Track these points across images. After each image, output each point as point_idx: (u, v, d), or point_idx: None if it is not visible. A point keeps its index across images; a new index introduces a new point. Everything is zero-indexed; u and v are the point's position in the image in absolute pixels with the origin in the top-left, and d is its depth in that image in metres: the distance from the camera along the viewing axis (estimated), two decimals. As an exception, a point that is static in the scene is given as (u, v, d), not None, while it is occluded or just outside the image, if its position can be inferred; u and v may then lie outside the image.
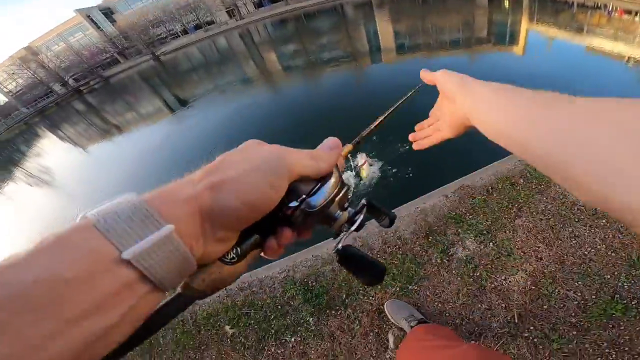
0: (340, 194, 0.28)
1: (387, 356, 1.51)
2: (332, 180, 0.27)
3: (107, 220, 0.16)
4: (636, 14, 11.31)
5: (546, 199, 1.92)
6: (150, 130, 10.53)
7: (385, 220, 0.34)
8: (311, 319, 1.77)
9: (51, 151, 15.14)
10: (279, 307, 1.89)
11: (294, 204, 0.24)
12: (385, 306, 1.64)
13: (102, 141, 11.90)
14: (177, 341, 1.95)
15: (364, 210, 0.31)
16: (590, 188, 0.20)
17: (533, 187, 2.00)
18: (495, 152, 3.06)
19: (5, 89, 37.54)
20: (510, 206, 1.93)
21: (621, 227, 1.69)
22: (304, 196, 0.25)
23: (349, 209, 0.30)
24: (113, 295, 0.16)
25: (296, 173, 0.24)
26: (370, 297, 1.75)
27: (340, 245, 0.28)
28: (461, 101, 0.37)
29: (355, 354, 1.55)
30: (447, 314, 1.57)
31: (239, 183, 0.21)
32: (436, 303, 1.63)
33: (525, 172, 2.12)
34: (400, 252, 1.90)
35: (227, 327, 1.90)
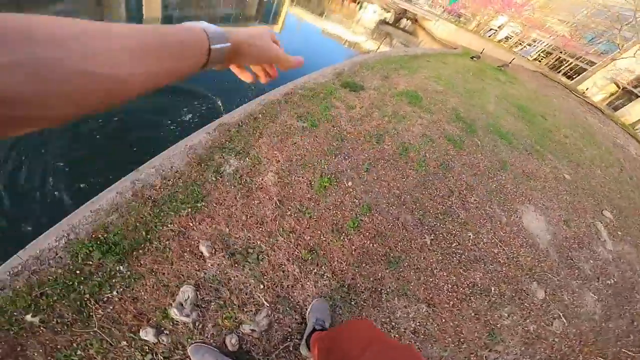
0: None
1: (209, 264, 1.83)
2: None
3: (209, 32, 0.36)
4: (359, 3, 16.63)
5: (275, 124, 3.01)
6: None
7: None
8: (121, 267, 1.79)
9: None
10: (78, 271, 1.76)
11: None
12: (313, 302, 1.77)
13: None
14: None
15: None
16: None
17: (268, 119, 3.06)
18: (246, 96, 4.05)
19: None
20: (254, 132, 2.86)
21: (316, 134, 3.02)
22: None
23: None
24: (199, 56, 0.35)
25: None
26: (169, 224, 2.01)
27: None
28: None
29: (182, 276, 1.78)
30: (234, 216, 2.13)
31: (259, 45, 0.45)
32: (223, 209, 2.16)
33: (262, 110, 3.17)
34: (182, 181, 2.31)
35: (29, 317, 1.59)
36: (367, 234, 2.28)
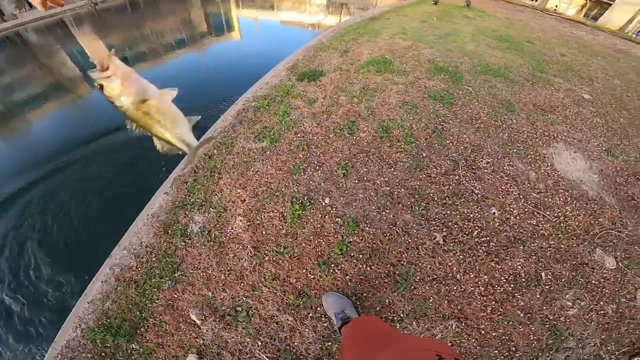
0: None
1: (203, 330, 1.71)
2: None
3: None
4: None
5: (232, 156, 2.58)
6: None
7: None
8: (133, 345, 1.74)
9: None
10: (102, 354, 1.73)
11: None
12: (322, 299, 1.71)
13: None
14: None
15: None
16: None
17: (224, 152, 2.63)
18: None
19: None
20: (212, 174, 2.45)
21: (279, 150, 2.57)
22: None
23: None
24: None
25: None
26: (156, 301, 1.84)
27: None
28: None
29: (185, 345, 1.64)
30: (212, 278, 1.87)
31: None
32: (200, 273, 1.89)
33: (216, 143, 2.73)
34: (154, 255, 2.04)
35: None
36: (361, 256, 1.87)
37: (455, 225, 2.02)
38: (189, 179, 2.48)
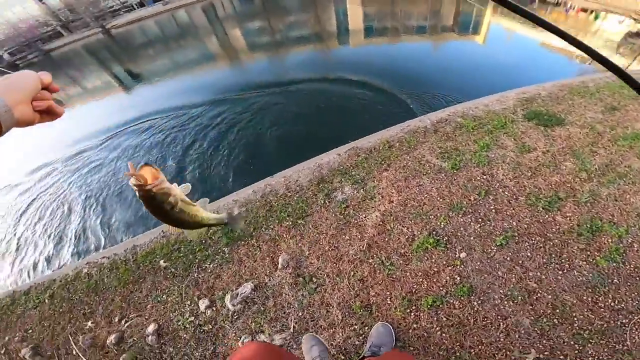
0: None
1: (276, 274, 2.05)
2: None
3: None
4: (592, 12, 12.80)
5: (409, 157, 2.59)
6: (94, 109, 10.47)
7: None
8: (226, 248, 2.32)
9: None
10: (203, 241, 2.43)
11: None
12: (376, 324, 1.74)
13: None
14: (119, 278, 2.42)
15: None
16: None
17: (404, 149, 2.68)
18: (385, 122, 3.80)
19: None
20: (382, 162, 2.59)
21: (454, 179, 2.38)
22: None
23: None
24: None
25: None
26: (270, 229, 2.33)
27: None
28: None
29: (254, 273, 2.09)
30: (319, 244, 2.15)
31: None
32: (314, 233, 2.22)
33: (402, 138, 2.80)
34: (297, 196, 2.52)
35: (162, 262, 2.40)
36: (444, 319, 1.67)
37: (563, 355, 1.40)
38: (362, 154, 2.72)
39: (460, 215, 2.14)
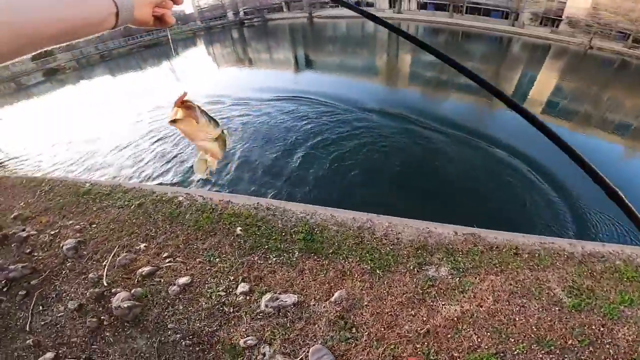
0: None
1: (324, 304, 2.03)
2: None
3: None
4: None
5: (531, 275, 2.16)
6: (270, 74, 12.84)
7: None
8: (297, 252, 2.40)
9: (192, 57, 21.83)
10: (283, 234, 2.58)
11: None
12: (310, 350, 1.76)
13: (233, 65, 16.05)
14: (197, 221, 2.77)
15: None
16: None
17: (530, 264, 2.24)
18: (526, 224, 3.23)
19: (197, 4, 48.80)
20: (497, 265, 2.24)
21: (566, 318, 1.87)
22: None
23: None
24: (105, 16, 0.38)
25: None
26: (346, 261, 2.31)
27: None
28: None
29: (306, 290, 2.12)
30: (383, 302, 2.02)
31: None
32: (384, 291, 2.09)
33: (536, 252, 2.34)
34: (391, 247, 2.43)
35: (239, 229, 2.63)
36: None
37: None
38: (479, 246, 2.44)
39: (543, 352, 1.72)
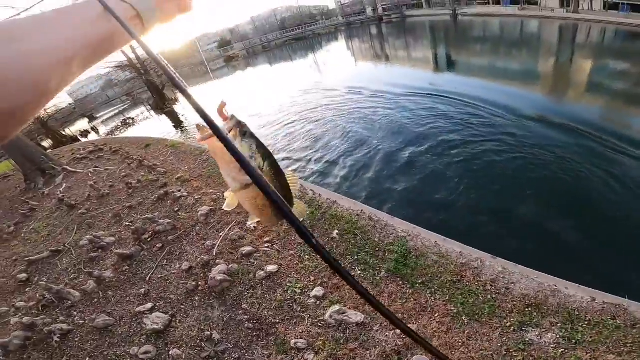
0: None
1: (388, 333, 1.93)
2: None
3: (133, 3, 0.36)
4: None
5: None
6: (407, 73, 12.76)
7: None
8: (384, 272, 2.27)
9: (334, 50, 24.25)
10: (377, 249, 2.48)
11: None
12: None
13: (370, 60, 16.97)
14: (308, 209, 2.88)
15: None
16: None
17: None
18: None
19: (340, 1, 52.09)
20: (630, 344, 1.79)
21: None
22: None
23: None
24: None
25: None
26: (433, 296, 2.10)
27: None
28: None
29: (376, 313, 2.08)
30: (452, 355, 1.77)
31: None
32: (459, 344, 1.83)
33: None
34: (493, 295, 2.04)
35: (336, 232, 2.66)
36: None
37: None
38: (619, 320, 1.93)
39: None
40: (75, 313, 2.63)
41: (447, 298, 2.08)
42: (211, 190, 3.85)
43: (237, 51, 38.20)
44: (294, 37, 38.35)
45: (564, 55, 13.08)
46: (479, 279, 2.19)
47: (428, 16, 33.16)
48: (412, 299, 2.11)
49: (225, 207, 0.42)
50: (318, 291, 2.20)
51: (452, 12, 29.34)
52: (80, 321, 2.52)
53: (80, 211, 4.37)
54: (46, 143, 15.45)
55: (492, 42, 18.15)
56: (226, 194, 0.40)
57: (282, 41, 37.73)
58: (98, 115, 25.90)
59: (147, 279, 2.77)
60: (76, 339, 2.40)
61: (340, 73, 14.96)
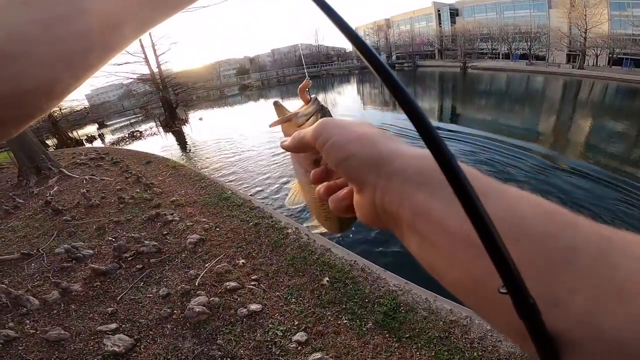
0: None
1: None
2: None
3: None
4: None
5: None
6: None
7: None
8: (371, 324, 2.19)
9: (344, 92, 24.04)
10: (366, 300, 2.37)
11: None
12: None
13: (378, 106, 17.35)
14: (294, 257, 2.84)
15: None
16: None
17: None
18: None
19: (355, 43, 55.78)
20: None
21: None
22: None
23: None
24: None
25: None
26: (419, 350, 1.98)
27: None
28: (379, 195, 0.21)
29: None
30: None
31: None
32: None
33: None
34: (480, 352, 1.94)
35: (326, 279, 2.59)
36: None
37: None
38: None
39: None
40: (27, 321, 2.44)
41: (432, 354, 1.99)
42: (204, 219, 3.74)
43: (252, 81, 40.07)
44: (309, 75, 40.42)
45: (564, 115, 13.42)
46: (466, 336, 2.11)
47: (439, 67, 35.04)
48: (397, 353, 2.00)
49: (286, 203, 0.39)
50: (301, 336, 2.08)
51: (462, 65, 30.89)
52: (31, 330, 2.33)
53: (64, 217, 4.18)
54: (50, 142, 15.44)
55: (497, 97, 18.91)
56: (291, 184, 0.38)
57: (297, 77, 39.66)
58: (109, 123, 26.16)
59: (118, 298, 2.59)
60: (20, 347, 2.20)
61: (348, 115, 15.25)
